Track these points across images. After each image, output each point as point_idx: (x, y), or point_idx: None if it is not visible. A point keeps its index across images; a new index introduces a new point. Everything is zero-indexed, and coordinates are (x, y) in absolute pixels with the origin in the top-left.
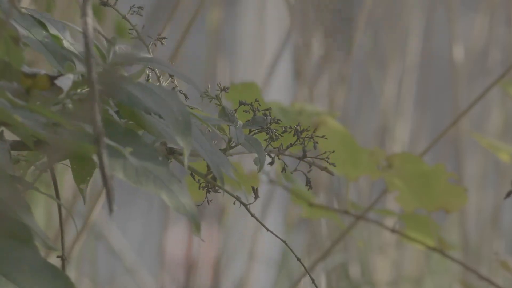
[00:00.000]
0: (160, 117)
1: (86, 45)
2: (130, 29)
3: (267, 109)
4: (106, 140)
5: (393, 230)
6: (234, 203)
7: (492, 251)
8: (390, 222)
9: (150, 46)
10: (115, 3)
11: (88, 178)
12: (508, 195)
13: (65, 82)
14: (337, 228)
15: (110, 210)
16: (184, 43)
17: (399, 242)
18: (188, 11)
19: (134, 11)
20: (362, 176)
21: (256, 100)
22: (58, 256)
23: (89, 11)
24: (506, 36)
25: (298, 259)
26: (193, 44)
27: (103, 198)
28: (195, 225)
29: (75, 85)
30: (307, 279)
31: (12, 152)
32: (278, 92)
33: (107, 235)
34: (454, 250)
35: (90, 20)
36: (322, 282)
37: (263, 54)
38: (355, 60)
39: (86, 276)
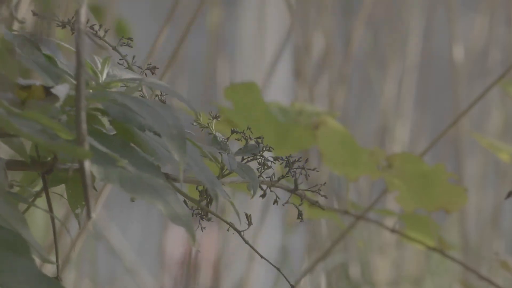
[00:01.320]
0: (155, 133)
1: (78, 52)
2: (120, 59)
3: (259, 137)
4: (102, 148)
5: (393, 230)
6: (228, 230)
7: (492, 251)
8: (390, 222)
9: (141, 74)
10: (104, 35)
11: (83, 202)
12: (509, 195)
13: (61, 90)
14: (337, 228)
15: (89, 216)
16: (184, 43)
17: (399, 242)
18: (188, 11)
19: (124, 43)
20: (362, 176)
21: (249, 128)
22: (54, 278)
23: (83, 17)
24: (506, 36)
25: (292, 286)
26: (193, 44)
27: (103, 199)
28: (191, 236)
29: (70, 100)
30: (307, 279)
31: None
32: (278, 92)
33: (107, 235)
34: (454, 250)
35: (84, 26)
36: (322, 282)
37: (263, 54)
38: (355, 60)
39: (86, 276)
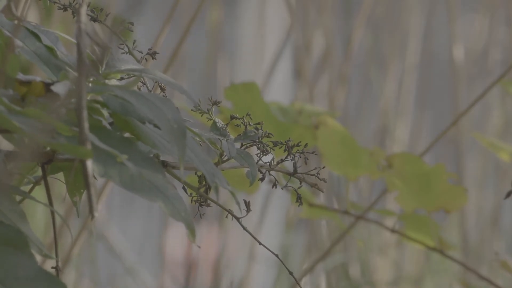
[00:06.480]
0: (155, 126)
1: (79, 49)
2: (120, 44)
3: (258, 123)
4: (103, 146)
5: (393, 230)
6: (226, 217)
7: (492, 251)
8: (390, 222)
9: (141, 60)
10: (105, 19)
11: (82, 190)
12: (508, 195)
13: (62, 88)
14: (337, 228)
15: (92, 216)
16: (184, 43)
17: (399, 242)
18: (188, 11)
19: (125, 28)
20: (362, 176)
21: (248, 114)
22: (52, 267)
23: (83, 17)
24: (506, 36)
25: (291, 273)
26: (193, 44)
27: (103, 198)
28: (191, 232)
29: (70, 94)
30: (307, 279)
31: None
32: (278, 92)
33: (107, 235)
34: (454, 250)
35: (84, 26)
36: (322, 282)
37: (263, 54)
38: (355, 60)
39: (86, 276)
